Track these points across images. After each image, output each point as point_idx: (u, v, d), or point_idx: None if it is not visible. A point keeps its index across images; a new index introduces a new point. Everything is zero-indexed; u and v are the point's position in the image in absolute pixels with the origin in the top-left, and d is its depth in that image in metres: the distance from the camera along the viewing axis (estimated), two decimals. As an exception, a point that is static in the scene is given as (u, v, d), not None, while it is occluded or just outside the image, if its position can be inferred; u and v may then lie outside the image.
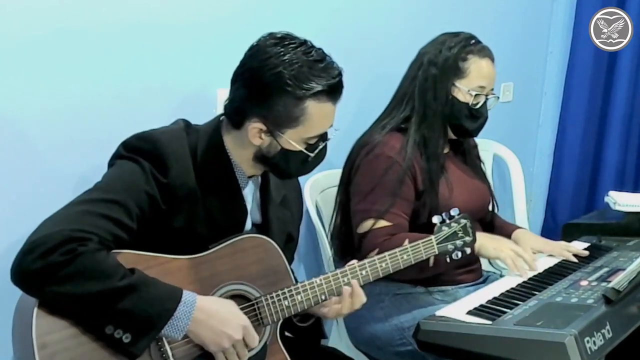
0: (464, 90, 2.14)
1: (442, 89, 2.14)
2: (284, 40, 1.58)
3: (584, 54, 3.34)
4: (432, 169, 2.12)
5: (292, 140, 1.61)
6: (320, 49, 1.61)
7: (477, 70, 2.14)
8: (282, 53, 1.55)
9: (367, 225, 2.06)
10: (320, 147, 1.66)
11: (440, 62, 2.13)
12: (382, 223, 2.05)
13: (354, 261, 1.74)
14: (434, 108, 2.14)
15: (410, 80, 2.18)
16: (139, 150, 1.56)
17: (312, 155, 1.65)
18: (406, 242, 1.81)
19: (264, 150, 1.63)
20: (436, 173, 2.13)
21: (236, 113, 1.62)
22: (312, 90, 1.56)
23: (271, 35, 1.60)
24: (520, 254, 2.11)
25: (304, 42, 1.60)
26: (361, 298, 1.71)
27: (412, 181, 2.10)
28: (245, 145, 1.64)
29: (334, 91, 1.60)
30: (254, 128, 1.60)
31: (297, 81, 1.54)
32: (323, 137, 1.66)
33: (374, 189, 2.07)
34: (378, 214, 2.05)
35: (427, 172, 2.11)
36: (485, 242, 2.09)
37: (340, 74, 1.60)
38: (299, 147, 1.62)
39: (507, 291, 1.96)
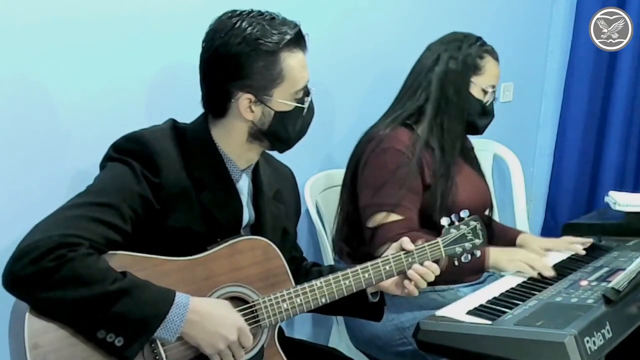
0: (478, 87, 2.18)
1: (462, 84, 2.17)
2: (234, 13, 1.61)
3: (584, 54, 3.34)
4: (448, 161, 2.13)
5: (282, 99, 1.62)
6: (267, 10, 1.64)
7: (491, 69, 2.20)
8: (239, 22, 1.58)
9: (378, 219, 2.06)
10: (309, 100, 1.68)
11: (462, 58, 2.17)
12: (394, 217, 2.05)
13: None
14: (454, 101, 2.16)
15: (425, 73, 2.19)
16: (128, 151, 1.56)
17: (305, 107, 1.66)
18: (419, 241, 1.79)
19: (258, 124, 1.63)
20: (452, 160, 2.14)
21: (218, 100, 1.63)
22: (282, 41, 1.58)
23: (220, 16, 1.63)
24: (533, 264, 2.08)
25: (252, 10, 1.62)
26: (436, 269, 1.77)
27: (420, 175, 2.10)
28: (235, 132, 1.64)
29: (299, 38, 1.62)
30: (244, 100, 1.60)
31: (265, 38, 1.57)
32: (306, 91, 1.67)
33: (385, 183, 2.07)
34: (390, 207, 2.05)
35: (441, 161, 2.12)
36: (499, 255, 2.10)
37: (298, 24, 1.63)
38: (291, 104, 1.63)
39: (507, 291, 1.96)
